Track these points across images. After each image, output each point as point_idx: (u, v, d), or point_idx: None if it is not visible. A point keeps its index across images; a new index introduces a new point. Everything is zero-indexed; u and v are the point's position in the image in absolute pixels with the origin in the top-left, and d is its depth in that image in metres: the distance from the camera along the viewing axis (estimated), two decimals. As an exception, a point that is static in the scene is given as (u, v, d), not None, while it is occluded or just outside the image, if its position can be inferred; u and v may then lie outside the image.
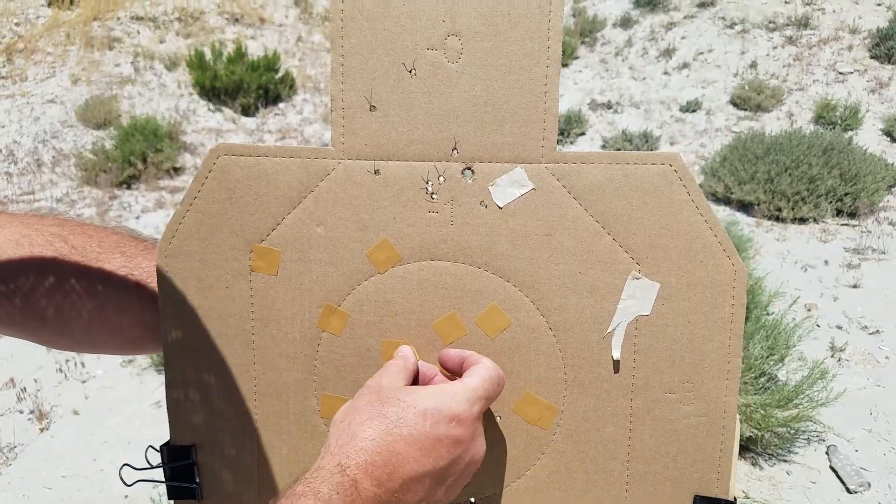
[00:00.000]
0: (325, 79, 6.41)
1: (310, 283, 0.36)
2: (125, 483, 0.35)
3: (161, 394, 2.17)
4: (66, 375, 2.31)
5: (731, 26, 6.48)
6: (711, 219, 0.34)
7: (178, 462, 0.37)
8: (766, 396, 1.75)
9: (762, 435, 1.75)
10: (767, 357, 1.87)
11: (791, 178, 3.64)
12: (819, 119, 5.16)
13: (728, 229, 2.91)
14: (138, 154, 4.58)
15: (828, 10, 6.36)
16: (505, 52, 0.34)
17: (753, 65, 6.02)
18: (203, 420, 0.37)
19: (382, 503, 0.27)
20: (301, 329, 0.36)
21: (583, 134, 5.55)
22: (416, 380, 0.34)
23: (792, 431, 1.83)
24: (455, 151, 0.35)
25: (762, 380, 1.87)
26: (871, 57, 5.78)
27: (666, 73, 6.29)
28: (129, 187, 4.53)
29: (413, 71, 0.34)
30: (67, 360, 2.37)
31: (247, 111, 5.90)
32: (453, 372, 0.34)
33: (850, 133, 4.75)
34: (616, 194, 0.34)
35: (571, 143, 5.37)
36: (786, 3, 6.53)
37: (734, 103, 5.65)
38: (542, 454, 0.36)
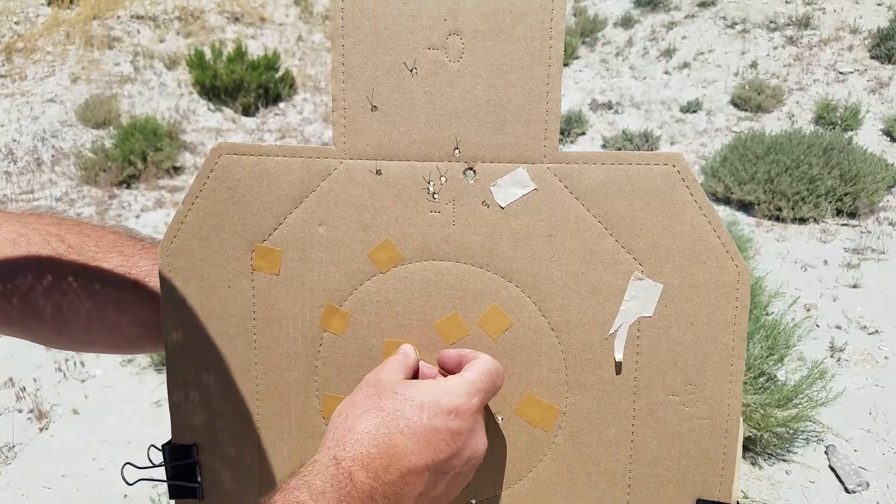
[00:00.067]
0: (325, 78, 6.41)
1: (311, 283, 0.36)
2: (127, 482, 0.35)
3: (161, 393, 2.17)
4: (65, 375, 2.30)
5: (732, 26, 6.48)
6: (715, 220, 0.34)
7: (179, 461, 0.37)
8: (766, 396, 1.75)
9: (761, 435, 1.75)
10: (767, 357, 1.87)
11: (791, 178, 3.64)
12: (819, 119, 5.16)
13: (728, 229, 2.90)
14: (138, 153, 4.58)
15: (828, 9, 6.36)
16: (507, 51, 0.33)
17: (754, 65, 6.02)
18: (203, 420, 0.37)
19: (379, 496, 0.27)
20: (303, 329, 0.36)
21: (583, 134, 5.55)
22: (415, 377, 0.34)
23: (791, 431, 1.84)
24: (457, 151, 0.34)
25: (761, 379, 1.87)
26: (872, 57, 5.78)
27: (666, 72, 6.29)
28: (128, 187, 4.53)
29: (414, 70, 0.34)
30: (67, 360, 2.37)
31: (247, 110, 5.90)
32: (452, 372, 0.34)
33: (850, 133, 4.75)
34: (619, 195, 0.34)
35: (572, 142, 5.36)
36: (786, 2, 6.53)
37: (735, 103, 5.65)
38: (543, 456, 0.36)
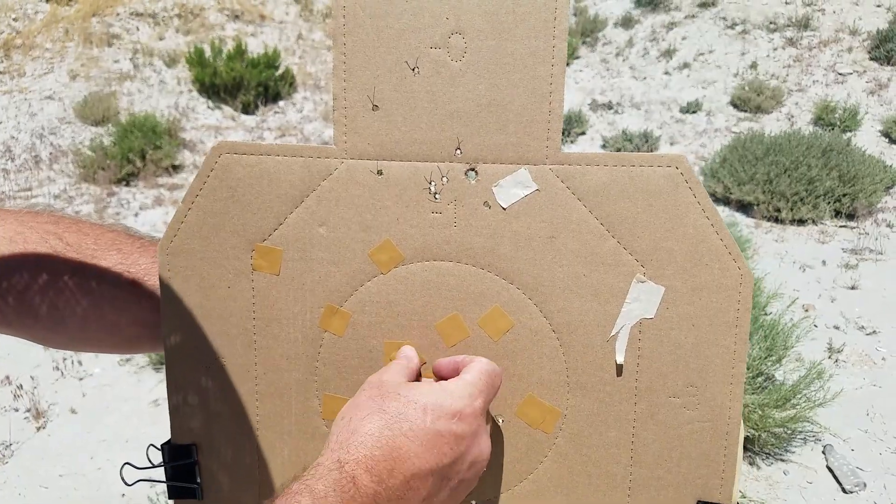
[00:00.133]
0: (325, 76, 6.40)
1: (312, 283, 0.36)
2: (126, 483, 0.35)
3: (159, 392, 2.16)
4: (62, 373, 2.30)
5: (732, 27, 6.49)
6: (717, 222, 0.33)
7: (178, 461, 0.36)
8: (764, 396, 1.76)
9: (759, 435, 1.76)
10: (765, 357, 1.88)
11: (790, 178, 3.65)
12: (818, 120, 5.17)
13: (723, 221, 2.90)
14: (137, 151, 4.57)
15: (828, 11, 6.37)
16: (509, 51, 0.33)
17: (754, 65, 6.03)
18: (201, 423, 0.37)
19: (383, 501, 0.27)
20: (303, 329, 0.36)
21: (583, 133, 5.55)
22: (417, 380, 0.34)
23: (789, 431, 1.84)
24: (458, 152, 0.34)
25: (760, 380, 1.87)
26: (871, 58, 5.79)
27: (667, 73, 6.29)
28: (127, 184, 4.51)
29: (416, 70, 0.34)
30: (65, 359, 2.36)
31: (247, 109, 5.88)
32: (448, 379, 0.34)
33: (848, 134, 4.76)
34: (621, 196, 0.34)
35: (572, 142, 5.37)
36: (786, 3, 6.54)
37: (734, 104, 5.66)
38: (544, 457, 0.35)
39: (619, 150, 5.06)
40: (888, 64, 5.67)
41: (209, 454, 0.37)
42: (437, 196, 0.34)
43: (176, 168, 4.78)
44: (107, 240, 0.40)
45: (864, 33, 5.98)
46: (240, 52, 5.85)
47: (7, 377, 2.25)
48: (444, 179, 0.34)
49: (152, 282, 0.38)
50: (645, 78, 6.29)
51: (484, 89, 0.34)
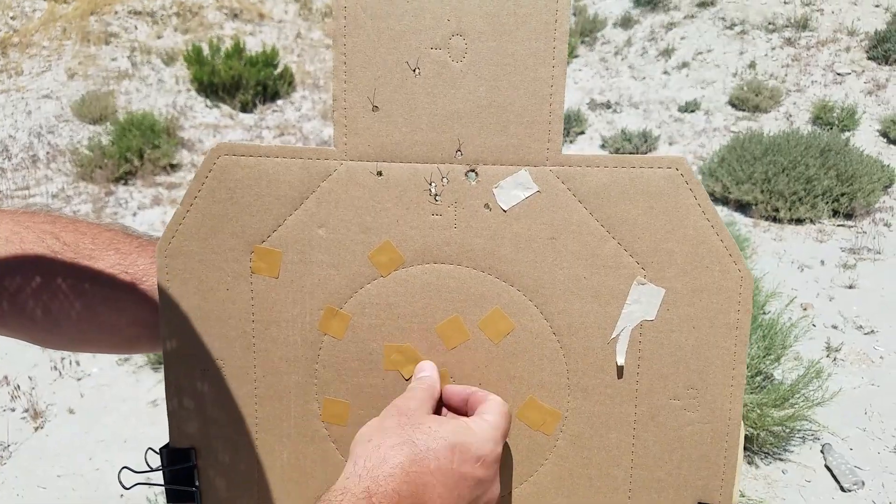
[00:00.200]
0: (324, 75, 6.38)
1: (311, 286, 0.35)
2: (124, 486, 0.35)
3: (157, 392, 2.16)
4: (60, 373, 2.29)
5: (731, 27, 6.49)
6: (718, 224, 0.33)
7: (177, 465, 0.36)
8: (763, 395, 1.76)
9: (758, 434, 1.76)
10: (764, 356, 1.88)
11: (788, 178, 3.65)
12: (816, 120, 5.18)
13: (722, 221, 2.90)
14: (135, 150, 4.55)
15: (826, 11, 6.38)
16: (510, 52, 0.33)
17: (752, 65, 6.04)
18: (198, 426, 0.37)
19: None
20: (302, 332, 0.36)
21: (582, 133, 5.55)
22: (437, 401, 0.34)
23: (787, 430, 1.85)
24: (459, 153, 0.34)
25: (758, 379, 1.88)
26: (869, 58, 5.80)
27: (665, 72, 6.29)
28: (125, 183, 4.50)
29: (417, 70, 0.34)
30: (63, 358, 2.36)
31: (245, 107, 5.87)
32: (456, 409, 0.34)
33: (846, 134, 4.77)
34: (621, 198, 0.34)
35: (571, 142, 5.37)
36: (785, 3, 6.55)
37: (733, 104, 5.67)
38: (545, 460, 0.35)
39: (618, 149, 5.06)
40: (886, 64, 5.69)
41: (206, 458, 0.37)
42: (437, 198, 0.34)
43: (174, 167, 4.76)
44: (104, 239, 0.39)
45: (863, 33, 6.00)
46: (238, 50, 5.84)
47: (5, 377, 2.24)
48: (445, 181, 0.34)
49: (150, 282, 0.38)
50: (644, 77, 6.29)
51: (484, 91, 0.33)
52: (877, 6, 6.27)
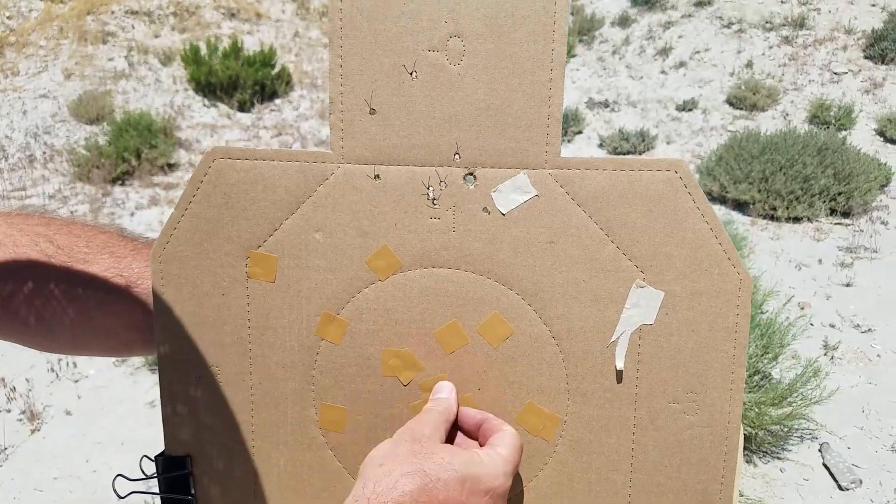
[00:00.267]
0: (321, 74, 6.37)
1: (308, 291, 0.35)
2: (119, 496, 0.34)
3: (155, 393, 2.15)
4: (57, 375, 2.28)
5: (728, 26, 6.50)
6: (717, 227, 0.33)
7: (172, 473, 0.36)
8: (761, 394, 1.77)
9: (756, 433, 1.77)
10: (762, 355, 1.89)
11: (786, 177, 3.66)
12: (814, 119, 5.20)
13: (723, 228, 2.91)
14: (132, 150, 4.54)
15: (823, 10, 6.40)
16: (508, 54, 0.33)
17: (749, 64, 6.05)
18: (192, 433, 0.36)
19: None
20: (299, 338, 0.35)
21: (580, 132, 5.56)
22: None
23: (785, 429, 1.85)
24: (457, 156, 0.34)
25: (756, 378, 1.88)
26: (866, 57, 5.82)
27: (663, 71, 6.30)
28: (122, 184, 4.48)
29: (414, 73, 0.33)
30: (60, 360, 2.35)
31: (242, 107, 5.85)
32: (468, 432, 0.34)
33: (843, 133, 4.79)
34: (620, 201, 0.33)
35: (569, 141, 5.37)
36: (782, 2, 6.56)
37: (730, 102, 5.68)
38: (544, 465, 0.35)
39: (615, 148, 5.07)
40: (883, 63, 5.71)
41: (201, 464, 0.37)
42: (435, 201, 0.34)
43: (171, 167, 4.75)
44: (99, 242, 0.39)
45: (859, 32, 6.01)
46: (236, 50, 5.82)
47: (2, 379, 2.23)
48: (443, 184, 0.34)
49: (145, 285, 0.38)
50: (641, 76, 6.30)
51: (482, 93, 0.33)
52: (873, 5, 6.29)
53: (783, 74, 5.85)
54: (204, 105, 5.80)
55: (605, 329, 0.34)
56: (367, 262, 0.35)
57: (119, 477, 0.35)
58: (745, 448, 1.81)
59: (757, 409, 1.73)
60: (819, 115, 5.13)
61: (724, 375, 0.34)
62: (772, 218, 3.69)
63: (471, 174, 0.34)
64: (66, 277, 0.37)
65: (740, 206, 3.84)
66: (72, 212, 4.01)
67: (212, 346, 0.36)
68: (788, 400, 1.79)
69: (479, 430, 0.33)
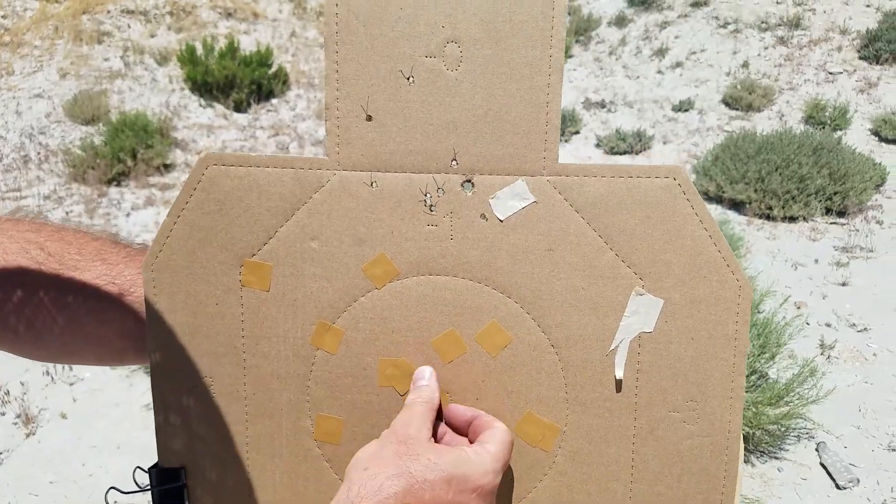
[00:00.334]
0: (318, 74, 6.35)
1: (303, 299, 0.35)
2: (111, 508, 0.34)
3: (150, 396, 2.14)
4: (53, 378, 2.27)
5: (724, 26, 6.53)
6: (716, 234, 0.33)
7: (166, 485, 0.35)
8: (758, 394, 1.77)
9: (753, 432, 1.77)
10: (759, 355, 1.89)
11: (781, 177, 3.68)
12: (809, 119, 5.22)
13: (719, 228, 2.91)
14: (128, 150, 4.51)
15: (818, 10, 6.43)
16: (506, 59, 0.32)
17: (745, 64, 6.07)
18: (184, 443, 0.36)
19: None
20: (294, 347, 0.35)
21: (577, 133, 5.56)
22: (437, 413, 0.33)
23: (783, 429, 1.86)
24: (454, 163, 0.33)
25: (753, 377, 1.89)
26: (861, 57, 5.85)
27: (659, 72, 6.32)
28: (118, 184, 4.46)
29: (411, 79, 0.33)
30: (55, 363, 2.33)
31: (239, 107, 5.83)
32: (458, 429, 0.34)
33: (839, 133, 4.81)
34: (619, 208, 0.33)
35: (566, 141, 5.38)
36: (778, 3, 6.59)
37: (726, 103, 5.70)
38: (543, 475, 0.35)
39: (612, 148, 5.07)
40: (877, 63, 5.74)
41: (194, 475, 0.36)
42: (432, 208, 0.34)
43: (167, 167, 4.72)
44: (91, 249, 0.38)
45: (854, 32, 6.05)
46: (232, 49, 5.79)
47: (-4, 382, 2.21)
48: (440, 191, 0.34)
49: (138, 293, 0.37)
50: (638, 77, 6.32)
51: (480, 99, 0.33)
52: (868, 6, 6.32)
53: (779, 74, 5.87)
54: (200, 105, 5.77)
55: (604, 337, 0.34)
56: (363, 270, 0.34)
57: (111, 489, 0.34)
58: (742, 448, 1.82)
59: (754, 409, 1.73)
60: (814, 115, 5.16)
61: (724, 384, 0.33)
62: (768, 217, 3.71)
63: (468, 181, 0.34)
64: (57, 285, 0.36)
65: (736, 206, 3.85)
66: (67, 212, 3.98)
67: (205, 356, 0.35)
68: (785, 399, 1.79)
69: (470, 427, 0.33)
